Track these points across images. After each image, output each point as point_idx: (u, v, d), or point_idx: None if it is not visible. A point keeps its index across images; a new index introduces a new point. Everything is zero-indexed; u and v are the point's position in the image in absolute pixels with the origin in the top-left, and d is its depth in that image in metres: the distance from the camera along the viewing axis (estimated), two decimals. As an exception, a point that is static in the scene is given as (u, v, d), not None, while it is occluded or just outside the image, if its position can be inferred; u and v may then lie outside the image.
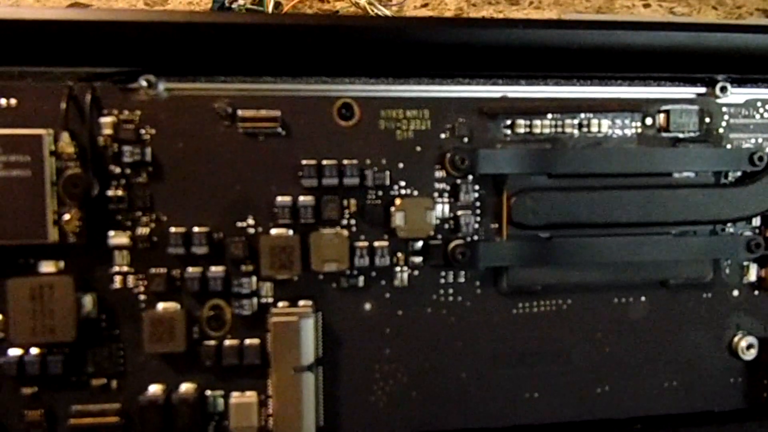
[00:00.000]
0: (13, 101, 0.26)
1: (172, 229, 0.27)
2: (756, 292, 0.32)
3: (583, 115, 0.30)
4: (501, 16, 0.42)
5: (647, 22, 0.34)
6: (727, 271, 0.31)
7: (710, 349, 0.31)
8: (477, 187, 0.29)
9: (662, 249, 0.30)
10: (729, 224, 0.31)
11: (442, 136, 0.29)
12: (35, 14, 0.27)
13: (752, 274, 0.31)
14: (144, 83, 0.27)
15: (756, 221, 0.31)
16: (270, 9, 0.42)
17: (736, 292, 0.32)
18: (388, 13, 0.42)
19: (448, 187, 0.29)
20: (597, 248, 0.30)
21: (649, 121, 0.30)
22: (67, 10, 0.26)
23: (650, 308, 0.31)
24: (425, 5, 0.44)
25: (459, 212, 0.29)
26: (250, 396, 0.29)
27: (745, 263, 0.31)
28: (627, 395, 0.31)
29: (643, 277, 0.31)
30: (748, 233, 0.31)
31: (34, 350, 0.27)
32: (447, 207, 0.29)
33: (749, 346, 0.31)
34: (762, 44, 0.30)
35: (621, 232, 0.30)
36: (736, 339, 0.31)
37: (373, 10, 0.42)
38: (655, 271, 0.31)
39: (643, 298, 0.31)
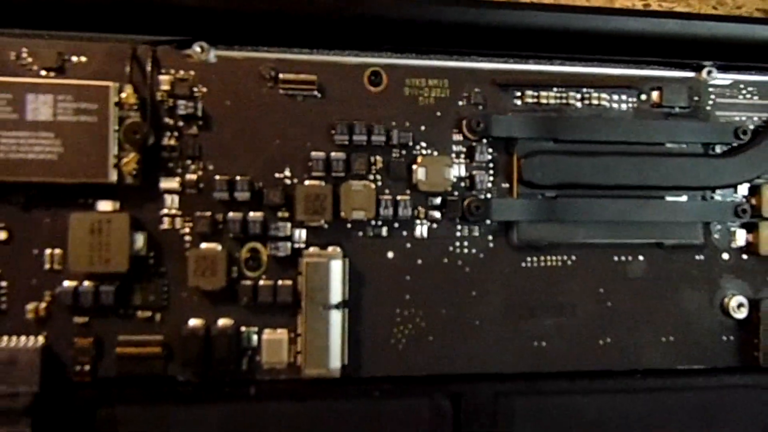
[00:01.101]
0: (83, 58, 0.30)
1: (217, 177, 0.31)
2: (744, 256, 0.34)
3: (585, 90, 0.33)
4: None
5: (643, 10, 0.38)
6: (717, 235, 0.34)
7: (703, 308, 0.34)
8: (490, 150, 0.33)
9: (656, 211, 0.33)
10: (718, 191, 0.34)
11: (460, 103, 0.33)
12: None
13: (740, 239, 0.34)
14: (198, 49, 0.31)
15: (743, 190, 0.34)
16: None
17: (726, 255, 0.34)
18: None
19: (464, 149, 0.33)
20: (597, 208, 0.33)
21: (644, 96, 0.34)
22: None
23: (647, 267, 0.34)
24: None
25: (474, 171, 0.32)
26: (281, 333, 0.31)
27: (733, 228, 0.34)
28: (627, 348, 0.33)
29: (640, 237, 0.33)
30: (736, 199, 0.34)
31: (88, 283, 0.30)
32: (463, 167, 0.33)
33: (740, 305, 0.34)
34: (745, 34, 0.34)
35: (620, 194, 0.33)
36: (726, 299, 0.34)
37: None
38: (650, 233, 0.34)
39: (640, 258, 0.34)
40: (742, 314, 0.34)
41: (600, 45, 0.34)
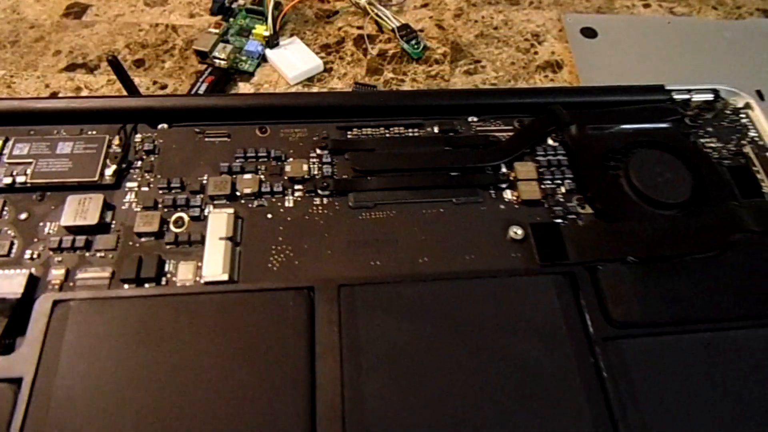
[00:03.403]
0: (94, 132, 0.53)
1: (161, 179, 0.50)
2: (515, 205, 0.51)
3: (391, 127, 0.55)
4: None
5: (425, 90, 0.62)
6: (494, 195, 0.51)
7: (494, 237, 0.49)
8: (333, 158, 0.53)
9: (445, 182, 0.51)
10: (489, 169, 0.52)
11: (314, 138, 0.54)
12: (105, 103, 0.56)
13: (508, 195, 0.51)
14: (161, 126, 0.54)
15: (504, 168, 0.53)
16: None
17: (501, 206, 0.51)
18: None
19: (317, 159, 0.53)
20: (406, 179, 0.51)
21: (429, 129, 0.56)
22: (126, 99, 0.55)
23: (448, 216, 0.50)
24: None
25: (324, 167, 0.52)
26: (191, 263, 0.46)
27: (503, 192, 0.52)
28: (441, 262, 0.47)
29: (439, 197, 0.51)
30: (500, 172, 0.52)
31: (68, 237, 0.46)
32: (316, 166, 0.52)
33: (516, 232, 0.49)
34: (493, 101, 0.58)
35: (422, 174, 0.52)
36: (508, 230, 0.49)
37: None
38: (445, 195, 0.51)
39: (441, 210, 0.50)
40: (519, 237, 0.48)
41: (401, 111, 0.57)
